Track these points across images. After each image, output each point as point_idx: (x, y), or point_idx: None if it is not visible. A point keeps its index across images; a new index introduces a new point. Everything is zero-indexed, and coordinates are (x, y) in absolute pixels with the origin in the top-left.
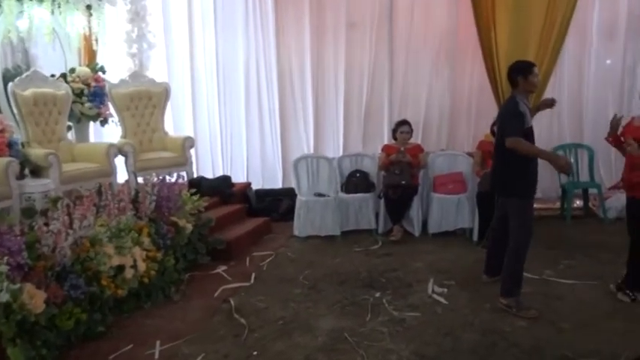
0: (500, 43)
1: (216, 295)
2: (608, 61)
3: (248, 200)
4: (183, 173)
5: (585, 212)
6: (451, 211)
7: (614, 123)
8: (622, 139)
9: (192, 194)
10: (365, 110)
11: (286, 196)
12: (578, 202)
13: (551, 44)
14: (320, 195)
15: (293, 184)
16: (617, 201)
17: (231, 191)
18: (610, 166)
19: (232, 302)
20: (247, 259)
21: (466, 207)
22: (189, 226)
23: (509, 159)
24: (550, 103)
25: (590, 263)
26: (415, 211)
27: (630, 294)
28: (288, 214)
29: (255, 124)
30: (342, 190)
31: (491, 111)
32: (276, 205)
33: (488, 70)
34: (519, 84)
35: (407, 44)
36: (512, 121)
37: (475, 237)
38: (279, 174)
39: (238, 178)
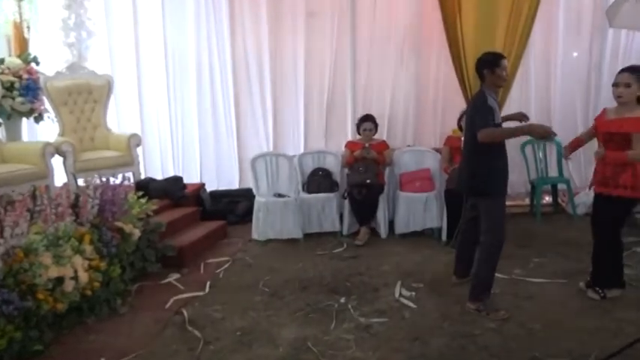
0: (467, 33)
1: (167, 306)
2: (575, 54)
3: (202, 203)
4: (130, 174)
5: (555, 208)
6: (419, 210)
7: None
8: (594, 131)
9: (139, 197)
10: (327, 105)
11: (243, 197)
12: (548, 198)
13: (518, 35)
14: (280, 195)
15: (251, 185)
16: (586, 196)
17: (182, 193)
18: (579, 161)
19: (185, 313)
20: (201, 266)
21: (434, 205)
22: (137, 232)
23: (477, 157)
24: (520, 118)
25: (560, 261)
26: (381, 211)
27: (600, 291)
28: (246, 217)
29: (208, 120)
30: (303, 189)
31: (459, 105)
32: (232, 208)
33: (454, 62)
34: (486, 77)
35: (370, 34)
36: (481, 116)
37: (444, 237)
38: (235, 174)
39: (191, 178)
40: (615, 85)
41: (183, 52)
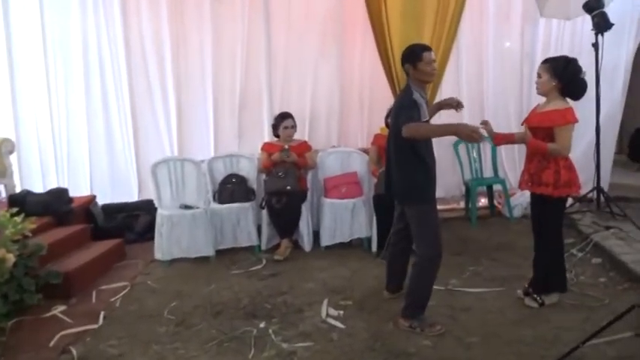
0: (393, 22)
1: (52, 344)
2: (508, 44)
3: (92, 219)
4: (1, 187)
5: (491, 211)
6: (346, 218)
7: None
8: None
9: (13, 214)
10: (239, 102)
11: (143, 210)
12: (483, 201)
13: (447, 23)
14: (187, 207)
15: (152, 196)
16: (523, 197)
17: (68, 208)
18: (514, 159)
19: (74, 352)
20: (94, 294)
21: (363, 213)
22: (11, 257)
23: (402, 160)
24: (455, 105)
25: (497, 267)
26: (304, 221)
27: (538, 298)
28: (147, 234)
29: (99, 121)
30: (214, 199)
31: (387, 100)
32: (130, 223)
33: (380, 52)
34: (409, 73)
35: (287, 22)
36: (406, 112)
37: (374, 247)
38: (133, 183)
39: (79, 190)
40: None
41: (66, 40)
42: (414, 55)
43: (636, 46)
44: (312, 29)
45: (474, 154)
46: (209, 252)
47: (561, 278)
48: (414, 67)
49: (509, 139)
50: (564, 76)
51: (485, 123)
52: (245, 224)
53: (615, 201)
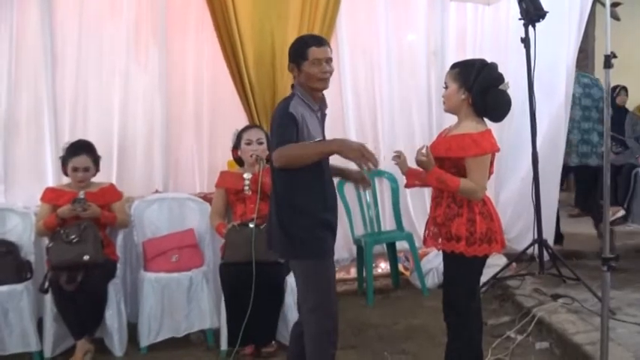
0: (242, 6)
1: None
2: (412, 37)
3: None
4: None
5: (395, 281)
6: (179, 301)
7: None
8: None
9: None
10: (5, 126)
11: None
12: (384, 266)
13: (320, 8)
14: None
15: None
16: (438, 258)
17: None
18: (424, 204)
19: None
20: None
21: (205, 291)
22: None
23: (283, 196)
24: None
25: None
26: (113, 309)
27: None
28: None
29: None
30: None
31: (236, 122)
32: None
33: (225, 53)
34: (295, 76)
35: (78, 10)
36: (277, 133)
37: (224, 344)
38: None
39: None
40: None
41: None
42: (297, 51)
43: (579, 41)
44: (118, 22)
45: (368, 198)
46: None
47: None
48: (299, 68)
49: (416, 176)
50: (475, 87)
51: (398, 154)
52: (17, 319)
53: (564, 258)
